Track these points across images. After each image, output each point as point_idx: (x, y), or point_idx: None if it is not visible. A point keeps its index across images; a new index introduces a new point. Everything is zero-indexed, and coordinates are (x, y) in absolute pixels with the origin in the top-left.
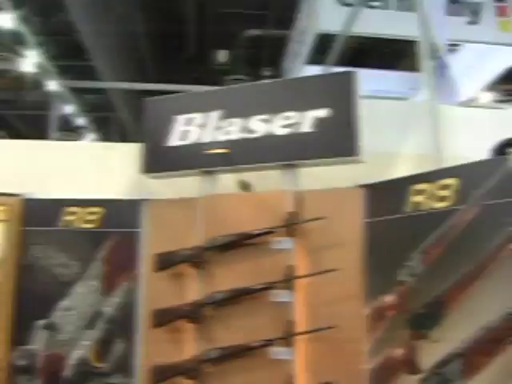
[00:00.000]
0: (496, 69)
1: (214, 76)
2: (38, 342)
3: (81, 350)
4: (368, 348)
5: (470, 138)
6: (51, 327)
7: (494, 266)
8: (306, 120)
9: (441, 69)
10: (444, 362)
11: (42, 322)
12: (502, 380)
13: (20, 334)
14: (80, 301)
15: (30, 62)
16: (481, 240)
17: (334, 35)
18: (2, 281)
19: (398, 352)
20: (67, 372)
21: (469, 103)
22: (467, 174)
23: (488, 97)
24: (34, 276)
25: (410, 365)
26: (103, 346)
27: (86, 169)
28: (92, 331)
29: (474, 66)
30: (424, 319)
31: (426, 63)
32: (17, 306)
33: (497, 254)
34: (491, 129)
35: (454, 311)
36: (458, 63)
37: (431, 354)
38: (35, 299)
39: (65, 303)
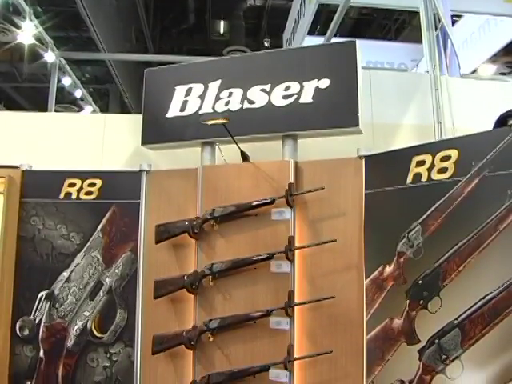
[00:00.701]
0: (499, 40)
1: (213, 47)
2: (40, 313)
3: (82, 321)
4: (367, 318)
5: (471, 110)
6: (52, 298)
7: (493, 237)
8: (306, 90)
9: (443, 40)
10: (442, 333)
11: (43, 293)
12: (499, 350)
13: (22, 305)
14: (81, 272)
15: (27, 33)
16: (481, 212)
17: (335, 5)
18: (3, 253)
19: (397, 322)
20: (69, 342)
21: (471, 75)
22: (468, 145)
23: (490, 69)
24: (35, 248)
25: (408, 335)
26: (104, 317)
27: (86, 140)
28: (93, 302)
29: (477, 37)
30: (423, 290)
31: (427, 34)
32: (18, 277)
33: (497, 226)
34: (493, 101)
35: (453, 282)
36: (460, 34)
37: (430, 324)
38: (36, 271)
39: (65, 274)
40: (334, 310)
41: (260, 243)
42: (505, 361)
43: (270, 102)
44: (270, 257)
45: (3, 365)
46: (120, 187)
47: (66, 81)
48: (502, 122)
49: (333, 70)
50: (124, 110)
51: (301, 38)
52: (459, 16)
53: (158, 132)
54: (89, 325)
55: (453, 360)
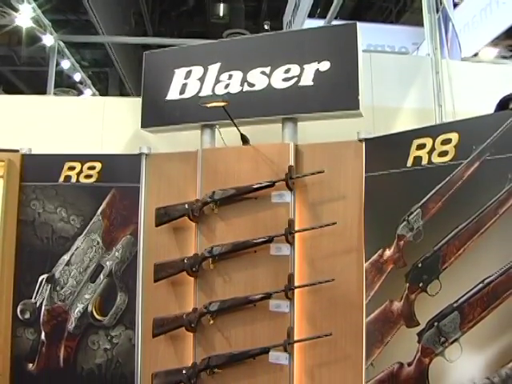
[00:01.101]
0: (501, 24)
1: (213, 29)
2: (41, 296)
3: (83, 304)
4: (366, 301)
5: (472, 93)
6: (53, 281)
7: (493, 221)
8: (307, 73)
9: (444, 23)
10: (442, 316)
11: (43, 277)
12: (498, 333)
13: (23, 288)
14: (81, 255)
15: (25, 16)
16: (481, 195)
17: None
18: (3, 236)
19: (397, 305)
20: (70, 325)
21: (472, 58)
22: (469, 128)
23: (492, 52)
24: (35, 231)
25: (407, 318)
26: (105, 300)
27: (85, 124)
28: (93, 285)
29: (479, 20)
30: (422, 273)
31: (429, 17)
32: (19, 261)
33: (497, 210)
34: (494, 84)
35: (453, 265)
36: (461, 17)
37: (429, 307)
38: (36, 254)
39: (66, 258)
40: (333, 293)
41: (260, 226)
42: (503, 343)
43: (270, 84)
44: (270, 240)
45: (5, 347)
46: (120, 170)
47: (65, 64)
48: (502, 105)
49: (333, 53)
50: (123, 93)
51: (301, 20)
52: None
53: (157, 115)
54: (89, 308)
55: (452, 343)
